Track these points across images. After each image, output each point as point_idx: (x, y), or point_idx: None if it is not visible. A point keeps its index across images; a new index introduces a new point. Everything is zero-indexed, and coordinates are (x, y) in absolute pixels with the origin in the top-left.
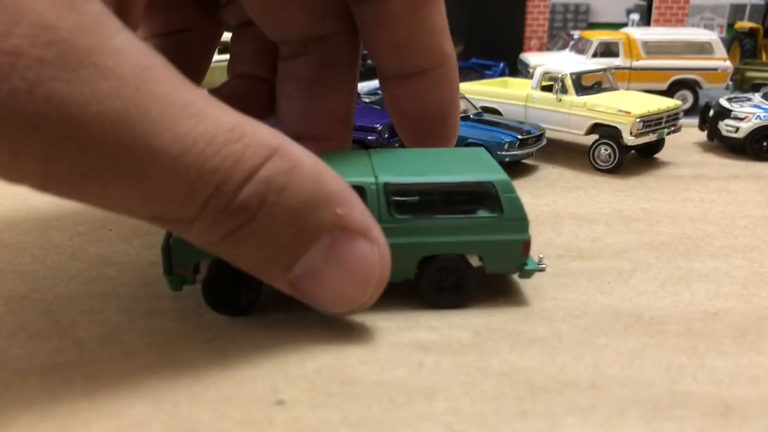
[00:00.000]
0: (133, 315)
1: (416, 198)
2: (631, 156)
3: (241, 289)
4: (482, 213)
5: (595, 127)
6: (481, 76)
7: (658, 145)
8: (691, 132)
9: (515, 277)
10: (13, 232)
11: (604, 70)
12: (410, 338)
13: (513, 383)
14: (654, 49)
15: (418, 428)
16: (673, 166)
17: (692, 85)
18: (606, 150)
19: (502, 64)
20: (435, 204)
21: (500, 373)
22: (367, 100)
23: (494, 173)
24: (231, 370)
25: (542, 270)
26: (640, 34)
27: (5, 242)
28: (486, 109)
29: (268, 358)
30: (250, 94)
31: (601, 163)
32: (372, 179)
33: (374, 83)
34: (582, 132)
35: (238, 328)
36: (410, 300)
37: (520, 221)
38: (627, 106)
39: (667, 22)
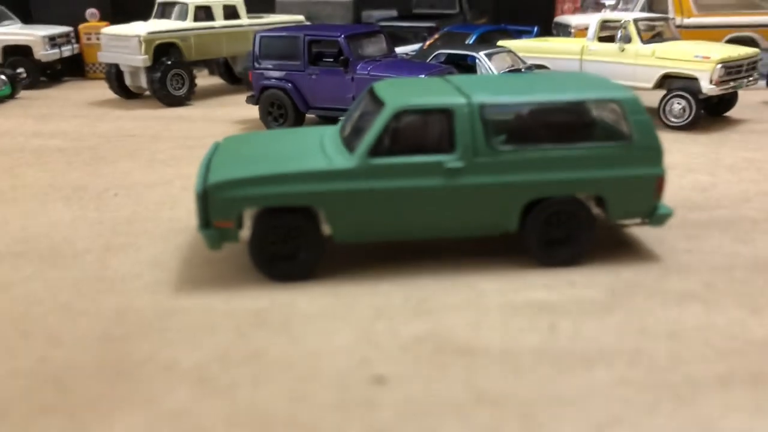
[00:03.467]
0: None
1: (519, 124)
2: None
3: (300, 244)
4: (604, 141)
5: (665, 80)
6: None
7: (731, 101)
8: (759, 92)
9: (628, 228)
10: None
11: (666, 18)
12: (526, 299)
13: (689, 346)
14: (707, 4)
15: (586, 402)
16: (752, 123)
17: (750, 43)
18: (680, 104)
19: (536, 29)
20: (542, 131)
21: (666, 334)
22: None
23: (618, 91)
24: (302, 344)
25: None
26: None
27: None
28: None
29: (346, 327)
30: None
31: (673, 120)
32: (463, 100)
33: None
34: (650, 85)
35: (298, 294)
36: (507, 257)
37: (653, 151)
38: (705, 52)
39: None
